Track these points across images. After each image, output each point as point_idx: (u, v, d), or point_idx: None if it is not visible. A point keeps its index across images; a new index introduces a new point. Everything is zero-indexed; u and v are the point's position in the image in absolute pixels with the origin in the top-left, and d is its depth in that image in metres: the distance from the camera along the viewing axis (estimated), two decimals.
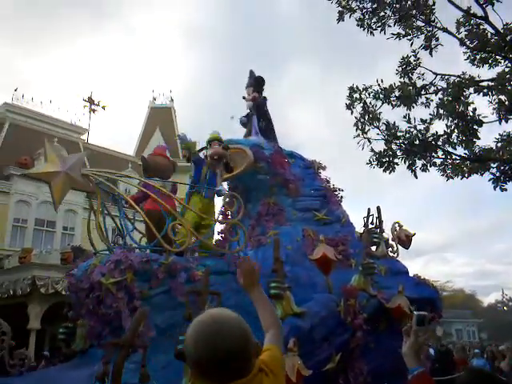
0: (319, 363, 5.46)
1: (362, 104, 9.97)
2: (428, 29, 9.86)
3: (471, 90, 9.63)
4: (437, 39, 9.93)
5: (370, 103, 9.98)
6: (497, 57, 9.79)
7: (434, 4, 9.56)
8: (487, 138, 10.00)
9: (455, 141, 9.61)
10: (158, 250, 5.59)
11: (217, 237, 7.43)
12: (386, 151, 9.79)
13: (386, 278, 7.18)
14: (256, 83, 9.26)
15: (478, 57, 10.09)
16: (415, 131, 9.59)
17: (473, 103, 9.49)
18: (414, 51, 10.07)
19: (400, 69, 10.21)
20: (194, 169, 6.92)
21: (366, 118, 9.86)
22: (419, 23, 9.90)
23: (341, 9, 10.02)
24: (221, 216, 7.23)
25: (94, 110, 30.69)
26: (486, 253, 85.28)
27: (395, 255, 8.15)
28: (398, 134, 9.67)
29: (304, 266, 6.67)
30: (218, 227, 7.28)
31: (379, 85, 9.97)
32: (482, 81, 9.72)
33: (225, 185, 8.16)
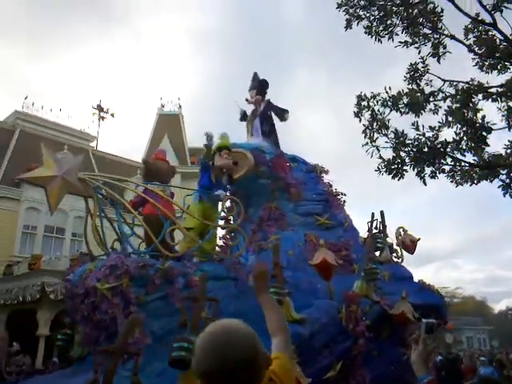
0: (320, 371, 5.38)
1: (370, 112, 9.96)
2: (435, 36, 9.84)
3: (480, 96, 9.59)
4: (444, 47, 9.89)
5: (379, 111, 9.97)
6: (505, 63, 9.74)
7: (441, 11, 9.55)
8: (496, 144, 9.94)
9: (464, 147, 9.57)
10: (156, 255, 5.51)
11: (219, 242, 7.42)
12: (395, 159, 9.76)
13: (389, 284, 7.07)
14: (260, 86, 9.25)
15: (486, 63, 10.04)
16: (424, 138, 9.56)
17: (482, 110, 9.46)
18: (421, 58, 10.06)
19: (408, 75, 10.19)
20: (201, 173, 6.90)
21: (375, 125, 9.84)
22: (426, 31, 9.88)
23: (348, 17, 10.05)
24: (222, 221, 7.19)
25: (102, 118, 30.99)
26: (497, 259, 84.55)
27: (399, 260, 8.04)
28: (407, 141, 9.64)
29: (305, 271, 6.58)
30: (220, 232, 7.24)
31: (387, 92, 9.96)
32: (491, 87, 9.67)
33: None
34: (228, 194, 7.12)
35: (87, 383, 3.91)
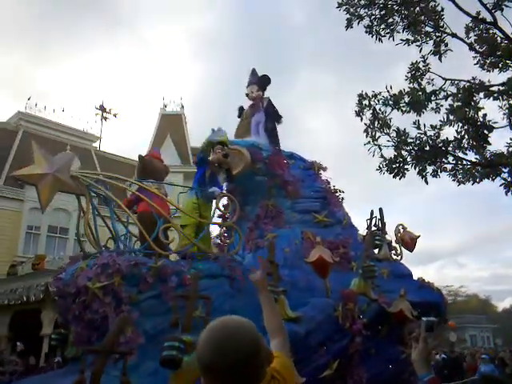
0: (316, 370, 5.34)
1: (371, 111, 9.95)
2: (437, 34, 9.82)
3: (481, 95, 9.56)
4: (446, 45, 9.88)
5: (380, 110, 9.96)
6: (507, 61, 9.72)
7: (442, 10, 9.54)
8: (498, 142, 9.94)
9: (466, 146, 9.56)
10: (150, 253, 5.44)
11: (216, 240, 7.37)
12: (396, 157, 9.75)
13: (388, 282, 7.03)
14: (261, 81, 9.17)
15: (487, 61, 10.03)
16: (425, 137, 9.53)
17: (483, 108, 9.43)
18: (423, 57, 10.05)
19: (409, 74, 10.17)
20: (198, 170, 6.83)
21: (376, 124, 9.84)
22: (428, 29, 9.87)
23: (349, 16, 10.04)
24: (219, 219, 7.13)
25: (105, 118, 31.15)
26: (501, 257, 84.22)
27: (399, 258, 8.00)
28: (409, 140, 9.63)
29: (303, 269, 6.53)
30: (216, 230, 7.16)
31: (388, 91, 9.95)
32: (492, 85, 9.65)
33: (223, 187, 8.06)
34: (223, 191, 7.04)
35: (73, 383, 3.88)
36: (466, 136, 9.44)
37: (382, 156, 9.76)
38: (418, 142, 9.56)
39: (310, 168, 8.63)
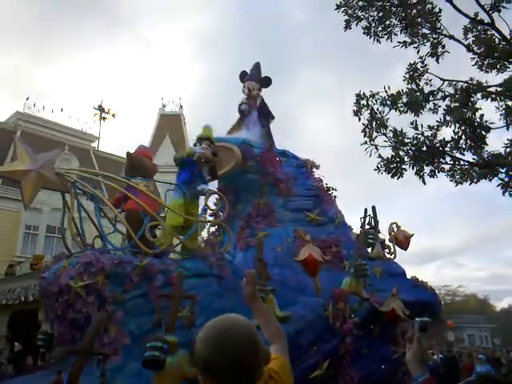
0: (306, 370, 5.29)
1: (369, 111, 9.98)
2: (434, 36, 9.85)
3: (479, 95, 9.59)
4: (443, 46, 9.90)
5: (378, 110, 9.99)
6: (504, 62, 9.75)
7: (439, 12, 9.56)
8: (495, 143, 9.96)
9: (463, 146, 9.58)
10: (137, 251, 5.36)
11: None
12: (394, 157, 9.77)
13: (381, 281, 6.98)
14: (264, 82, 9.18)
15: (485, 62, 10.05)
16: (423, 137, 9.56)
17: (480, 109, 9.46)
18: (420, 58, 10.07)
19: (407, 75, 10.20)
20: (182, 169, 6.70)
21: (374, 124, 9.86)
22: (425, 31, 9.90)
23: (347, 17, 10.06)
24: (210, 217, 7.04)
25: (104, 118, 31.09)
26: (499, 257, 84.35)
27: (392, 256, 7.95)
28: (406, 140, 9.65)
29: (293, 268, 6.48)
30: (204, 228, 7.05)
31: (386, 91, 9.98)
32: (490, 86, 9.68)
33: (214, 185, 7.97)
34: (210, 188, 6.94)
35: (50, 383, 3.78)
36: (464, 136, 9.47)
37: (379, 156, 9.79)
38: (415, 142, 9.58)
39: (303, 166, 8.61)
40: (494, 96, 9.59)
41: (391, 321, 6.09)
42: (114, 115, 31.73)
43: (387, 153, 9.82)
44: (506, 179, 9.35)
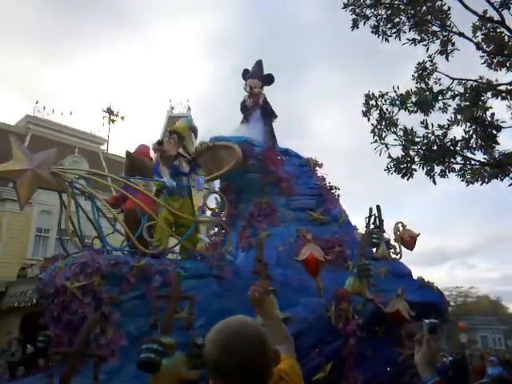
0: (308, 373, 5.10)
1: (378, 111, 9.91)
2: (444, 33, 9.77)
3: (489, 94, 9.49)
4: (453, 44, 9.82)
5: (387, 110, 9.92)
6: None
7: (449, 9, 9.48)
8: (507, 142, 9.84)
9: (474, 146, 9.49)
10: (135, 252, 5.31)
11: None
12: (404, 157, 9.69)
13: (386, 281, 6.85)
14: (267, 80, 9.13)
15: (495, 61, 9.95)
16: (433, 137, 9.47)
17: (491, 108, 9.35)
18: (429, 56, 10.00)
19: (416, 74, 10.13)
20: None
21: (383, 124, 9.79)
22: (435, 28, 9.82)
23: (355, 16, 10.01)
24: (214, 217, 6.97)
25: (113, 121, 31.28)
26: (511, 258, 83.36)
27: (398, 257, 7.82)
28: (416, 139, 9.57)
29: (296, 268, 6.37)
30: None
31: (395, 91, 9.91)
32: (500, 85, 9.57)
33: (216, 184, 7.89)
34: (210, 188, 6.77)
35: None
36: (474, 136, 9.37)
37: (389, 156, 9.72)
38: (425, 141, 9.50)
39: (306, 164, 8.49)
40: (504, 94, 9.49)
41: (396, 322, 5.99)
42: (122, 118, 31.95)
43: (397, 152, 9.76)
44: None
